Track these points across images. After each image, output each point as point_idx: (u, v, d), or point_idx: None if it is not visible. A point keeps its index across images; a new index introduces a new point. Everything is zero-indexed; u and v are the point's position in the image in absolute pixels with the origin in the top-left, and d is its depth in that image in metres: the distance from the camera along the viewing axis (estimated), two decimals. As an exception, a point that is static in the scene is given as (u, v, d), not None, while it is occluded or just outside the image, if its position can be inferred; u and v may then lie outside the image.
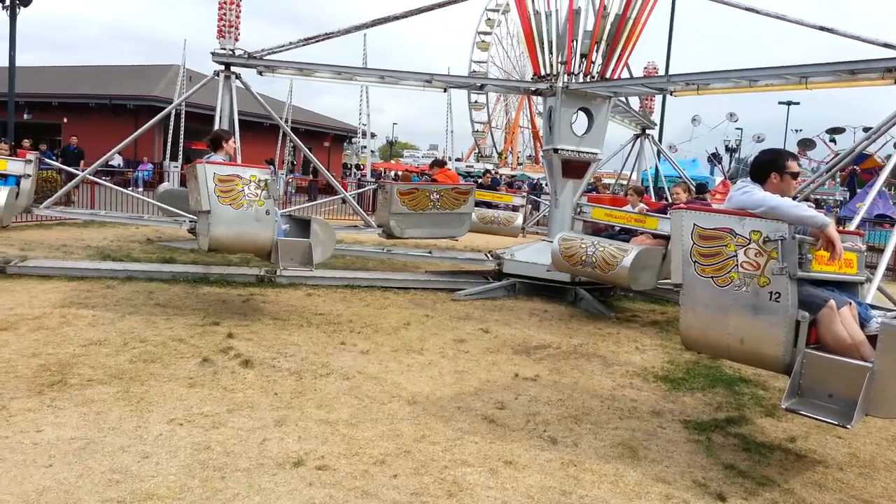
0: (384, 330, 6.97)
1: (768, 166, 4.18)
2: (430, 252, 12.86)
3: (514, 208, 13.08)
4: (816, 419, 3.84)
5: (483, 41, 62.78)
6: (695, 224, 4.15)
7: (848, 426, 3.54)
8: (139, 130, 11.12)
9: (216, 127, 9.66)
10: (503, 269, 9.79)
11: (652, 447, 4.43)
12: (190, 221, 9.55)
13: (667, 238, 7.64)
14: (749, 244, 3.91)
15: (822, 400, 3.74)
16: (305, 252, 6.94)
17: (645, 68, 14.58)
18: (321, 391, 5.00)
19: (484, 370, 5.88)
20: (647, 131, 13.11)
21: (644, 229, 7.97)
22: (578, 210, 8.69)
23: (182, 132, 24.19)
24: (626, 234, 8.24)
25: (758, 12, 8.37)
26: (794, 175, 4.20)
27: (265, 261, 7.30)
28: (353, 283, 9.19)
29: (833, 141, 36.84)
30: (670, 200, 10.12)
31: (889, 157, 7.30)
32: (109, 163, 24.11)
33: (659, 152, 13.98)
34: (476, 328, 7.38)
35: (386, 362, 5.86)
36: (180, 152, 24.33)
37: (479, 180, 18.13)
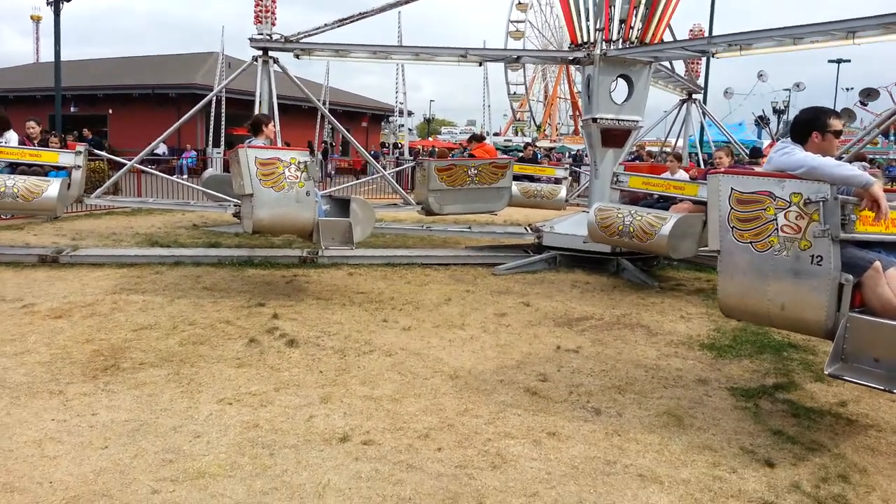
0: (425, 306, 7.02)
1: (809, 125, 4.05)
2: (469, 227, 12.84)
3: (557, 181, 12.92)
4: (861, 384, 3.74)
5: (517, 30, 61.79)
6: (732, 188, 4.05)
7: (895, 391, 3.47)
8: (182, 119, 11.33)
9: (256, 112, 9.79)
10: (543, 241, 9.73)
11: (698, 415, 4.38)
12: (234, 206, 9.75)
13: (707, 204, 7.54)
14: (789, 207, 3.81)
15: (867, 364, 3.63)
16: (346, 231, 7.06)
17: (691, 31, 14.17)
18: (364, 368, 5.07)
19: (525, 343, 5.88)
20: (694, 96, 12.78)
21: (683, 196, 7.79)
22: (615, 179, 8.50)
23: (223, 118, 24.52)
24: (665, 202, 8.07)
25: None
26: (837, 133, 4.05)
27: (307, 241, 7.42)
28: (393, 260, 9.26)
29: (864, 104, 35.32)
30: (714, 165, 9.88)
31: None
32: (154, 151, 24.73)
33: (707, 116, 13.58)
34: (517, 302, 7.36)
35: (427, 338, 5.91)
36: (222, 138, 24.70)
37: (521, 154, 17.92)
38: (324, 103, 23.66)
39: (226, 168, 19.94)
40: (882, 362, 3.59)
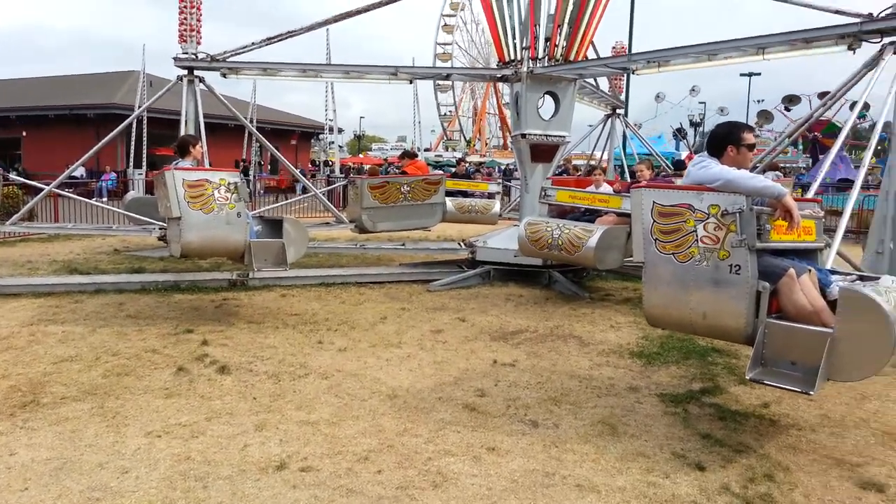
0: (361, 326, 6.96)
1: (724, 139, 4.19)
2: (403, 244, 12.85)
3: (491, 195, 13.08)
4: (780, 388, 3.88)
5: (447, 25, 62.48)
6: (654, 201, 4.15)
7: (811, 393, 3.59)
8: (102, 141, 10.91)
9: (181, 132, 9.54)
10: (476, 256, 9.82)
11: (631, 423, 4.49)
12: (160, 229, 9.43)
13: (631, 217, 7.79)
14: (708, 218, 3.93)
15: (785, 368, 3.80)
16: (279, 252, 6.95)
17: (613, 48, 14.65)
18: (300, 392, 4.98)
19: (462, 359, 5.90)
20: (618, 111, 13.20)
21: (608, 209, 8.02)
22: (543, 194, 8.65)
23: (145, 139, 23.80)
24: (591, 215, 8.29)
25: None
26: (751, 147, 4.20)
27: (238, 263, 7.26)
28: (327, 280, 9.16)
29: (788, 110, 37.28)
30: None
31: (847, 121, 7.44)
32: (72, 174, 23.77)
33: (630, 131, 14.05)
34: (453, 317, 7.40)
35: (364, 358, 5.86)
36: (144, 159, 23.95)
37: (454, 169, 18.08)
38: (251, 121, 23.33)
39: (149, 190, 19.35)
40: (798, 365, 3.75)
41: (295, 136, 40.98)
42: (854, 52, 6.79)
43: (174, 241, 6.74)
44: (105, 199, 21.72)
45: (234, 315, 7.34)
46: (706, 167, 4.08)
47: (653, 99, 46.12)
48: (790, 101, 35.25)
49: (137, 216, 10.36)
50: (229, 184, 6.59)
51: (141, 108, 10.92)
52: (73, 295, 8.05)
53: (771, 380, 3.79)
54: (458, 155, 55.51)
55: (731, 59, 8.34)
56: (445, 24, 62.74)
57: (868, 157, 6.55)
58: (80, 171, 24.46)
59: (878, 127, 6.36)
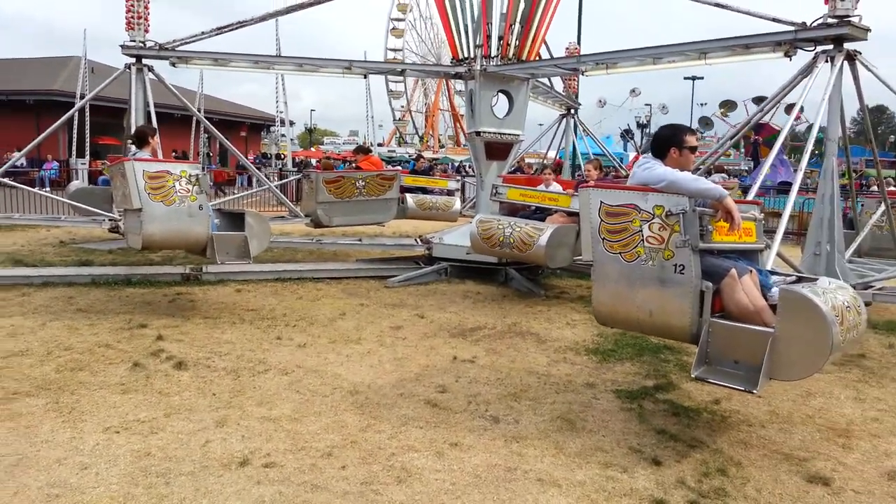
0: (320, 322, 6.94)
1: (667, 141, 4.27)
2: (360, 240, 12.82)
3: (450, 192, 13.13)
4: (724, 386, 4.00)
5: (396, 28, 62.28)
6: (601, 201, 4.21)
7: (754, 391, 3.71)
8: (48, 130, 10.58)
9: (131, 122, 9.33)
10: (433, 253, 9.88)
11: (588, 418, 4.61)
12: (110, 220, 9.22)
13: (579, 216, 7.95)
14: (653, 219, 4.00)
15: (728, 367, 3.90)
16: (242, 245, 6.96)
17: (567, 49, 14.84)
18: (261, 388, 4.95)
19: (423, 355, 5.95)
20: (572, 111, 13.43)
21: (557, 208, 8.14)
22: (495, 191, 8.73)
23: (88, 127, 23.07)
24: (541, 213, 8.39)
25: None
26: (693, 149, 4.30)
27: (200, 256, 7.19)
28: (283, 275, 9.08)
29: (726, 115, 38.53)
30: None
31: (784, 125, 7.80)
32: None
33: (584, 131, 14.30)
34: (411, 314, 7.43)
35: (324, 354, 5.85)
36: (87, 149, 23.21)
37: (414, 165, 18.04)
38: (199, 111, 22.86)
39: (92, 180, 18.77)
40: (741, 364, 3.86)
41: (244, 127, 40.31)
42: (790, 59, 7.09)
43: (133, 233, 6.65)
44: (48, 189, 20.95)
45: (189, 310, 7.22)
46: (650, 168, 4.17)
47: (595, 103, 46.97)
48: (727, 106, 36.38)
49: (87, 207, 10.08)
50: (190, 176, 6.55)
51: (89, 96, 10.59)
52: (20, 288, 7.79)
53: (715, 378, 3.90)
54: (411, 151, 55.48)
55: (675, 63, 8.62)
56: (394, 28, 62.57)
57: (805, 160, 6.85)
58: (20, 160, 23.59)
59: (814, 130, 6.69)
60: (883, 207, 8.51)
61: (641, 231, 4.04)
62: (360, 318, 7.19)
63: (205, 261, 9.23)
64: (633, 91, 47.13)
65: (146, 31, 9.64)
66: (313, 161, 37.45)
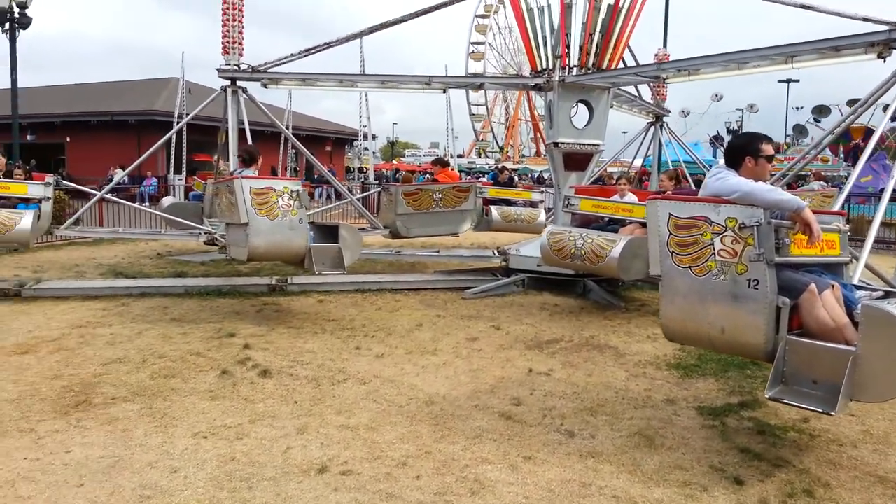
0: (397, 332, 7.06)
1: (742, 150, 4.12)
2: (437, 251, 12.95)
3: (534, 204, 13.08)
4: (800, 408, 3.81)
5: (476, 52, 62.72)
6: (670, 214, 4.08)
7: (832, 413, 3.50)
8: (152, 148, 11.34)
9: (230, 140, 9.97)
10: (510, 264, 9.87)
11: (668, 435, 4.50)
12: (206, 233, 9.78)
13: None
14: (725, 231, 3.84)
15: (806, 387, 3.70)
16: (336, 256, 7.45)
17: (656, 55, 14.55)
18: (340, 397, 5.09)
19: (498, 367, 5.96)
20: (662, 119, 13.17)
21: (632, 219, 7.93)
22: (567, 202, 8.61)
23: (185, 145, 24.35)
24: (615, 225, 8.22)
25: None
26: (769, 158, 4.13)
27: (298, 267, 7.75)
28: (363, 287, 9.29)
29: (818, 121, 36.61)
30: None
31: (878, 127, 7.31)
32: (113, 178, 24.37)
33: (672, 138, 13.99)
34: (488, 326, 7.46)
35: (401, 365, 5.95)
36: (184, 165, 24.49)
37: (498, 177, 18.08)
38: (287, 128, 23.72)
39: (186, 195, 19.70)
40: (820, 384, 3.64)
41: (329, 142, 41.47)
42: (884, 61, 6.68)
43: (239, 246, 7.20)
44: (147, 204, 22.21)
45: (274, 320, 7.50)
46: (723, 178, 4.00)
47: (678, 114, 45.42)
48: (820, 111, 34.64)
49: (183, 220, 10.66)
50: (292, 191, 7.10)
51: (187, 118, 11.20)
52: (120, 298, 8.31)
53: (791, 399, 3.70)
54: (491, 161, 55.59)
55: (760, 68, 8.28)
56: (479, 24, 62.99)
57: None
58: (124, 177, 25.13)
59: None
60: None
61: (713, 244, 3.89)
62: (437, 329, 7.26)
63: (291, 272, 9.72)
64: (715, 95, 45.52)
65: (240, 54, 10.12)
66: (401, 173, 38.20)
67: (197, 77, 27.76)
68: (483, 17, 61.92)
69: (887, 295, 3.99)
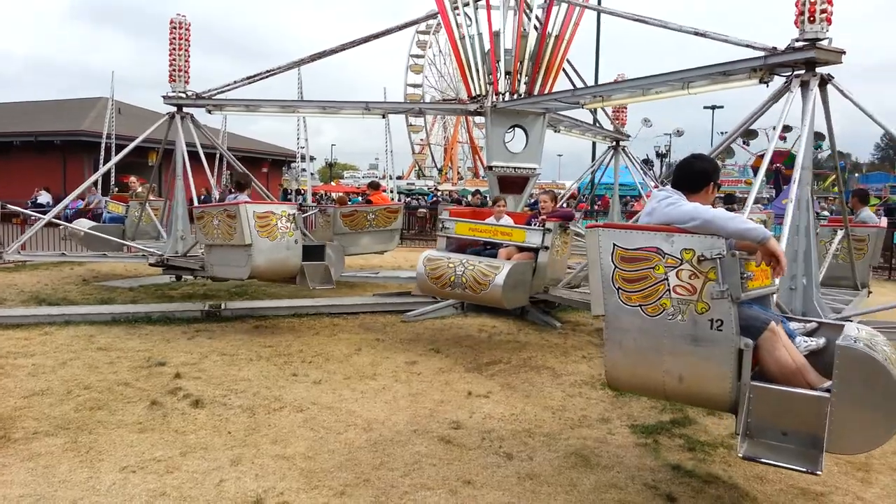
0: (335, 357, 6.98)
1: (707, 176, 3.73)
2: (377, 273, 12.92)
3: None
4: (781, 467, 3.41)
5: (416, 64, 63.24)
6: (615, 244, 3.53)
7: (818, 473, 3.14)
8: (105, 167, 11.54)
9: (177, 163, 10.36)
10: (450, 287, 9.89)
11: (603, 454, 4.58)
12: (151, 255, 10.09)
13: (535, 251, 7.64)
14: (681, 265, 3.34)
15: (774, 439, 3.30)
16: (325, 273, 8.20)
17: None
18: (275, 426, 4.98)
19: (437, 391, 5.95)
20: (621, 143, 13.59)
21: (510, 242, 7.76)
22: (441, 226, 8.22)
23: (113, 167, 23.56)
24: (492, 249, 8.03)
25: (645, 22, 8.57)
26: (719, 185, 3.94)
27: (289, 284, 8.58)
28: (300, 311, 9.16)
29: (747, 144, 38.24)
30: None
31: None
32: (38, 201, 23.39)
33: (631, 163, 14.46)
34: (427, 349, 7.45)
35: (339, 391, 5.88)
36: (112, 187, 23.68)
37: (469, 199, 18.35)
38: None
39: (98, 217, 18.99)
40: (790, 435, 3.27)
41: (266, 164, 40.88)
42: (767, 85, 6.78)
43: (237, 265, 7.84)
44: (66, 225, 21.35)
45: (207, 347, 7.30)
46: (676, 204, 3.52)
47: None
48: (748, 134, 36.15)
49: (139, 244, 10.99)
50: (289, 215, 7.84)
51: (139, 139, 10.86)
52: (42, 327, 7.93)
53: (768, 457, 3.27)
54: (430, 183, 55.86)
55: (662, 94, 8.56)
56: (414, 64, 63.56)
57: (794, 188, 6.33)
58: (45, 199, 24.14)
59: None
60: (840, 235, 8.28)
61: (667, 279, 3.38)
62: (376, 353, 7.21)
63: (225, 297, 9.61)
64: (645, 121, 47.08)
65: (186, 82, 10.38)
66: (333, 195, 37.94)
67: (127, 97, 27.02)
68: (424, 32, 62.44)
69: (821, 326, 3.81)
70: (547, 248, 7.65)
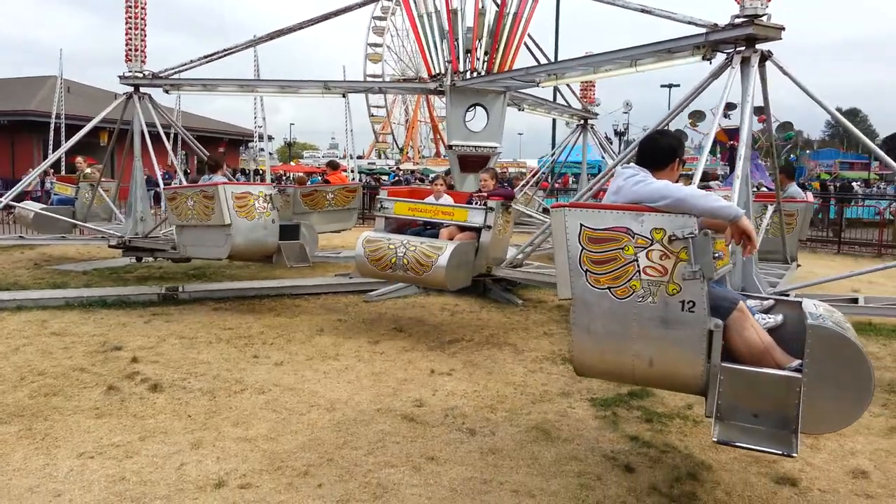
0: (297, 339, 6.94)
1: (673, 152, 3.63)
2: (339, 252, 12.85)
3: None
4: (756, 451, 3.33)
5: (375, 53, 62.45)
6: (582, 225, 3.36)
7: (794, 455, 3.08)
8: (61, 148, 11.27)
9: (135, 143, 10.26)
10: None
11: (564, 427, 4.66)
12: (112, 238, 10.12)
13: (477, 230, 7.36)
14: (652, 245, 3.21)
15: (746, 421, 3.23)
16: (300, 251, 8.48)
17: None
18: (237, 408, 4.95)
19: (400, 369, 5.97)
20: (589, 122, 13.63)
21: (451, 222, 7.50)
22: (380, 206, 7.84)
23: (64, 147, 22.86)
24: (431, 229, 7.70)
25: None
26: (684, 162, 3.79)
27: (267, 263, 8.71)
28: (260, 293, 9.07)
29: (696, 126, 38.83)
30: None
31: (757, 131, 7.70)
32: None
33: (598, 141, 14.51)
34: (390, 328, 7.46)
35: (301, 371, 5.85)
36: (63, 168, 23.01)
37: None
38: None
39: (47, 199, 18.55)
40: (762, 417, 3.20)
41: (223, 143, 40.12)
42: (710, 62, 6.80)
43: (215, 245, 7.96)
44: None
45: (165, 330, 7.19)
46: (644, 182, 3.38)
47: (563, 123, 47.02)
48: (696, 116, 36.66)
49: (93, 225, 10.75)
50: (265, 195, 7.99)
51: (97, 119, 10.47)
52: (-8, 313, 7.72)
53: (742, 440, 3.20)
54: (391, 162, 55.56)
55: (611, 72, 8.59)
56: (376, 26, 62.74)
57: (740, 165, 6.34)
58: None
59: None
60: (771, 210, 8.41)
61: (637, 260, 3.24)
62: (339, 333, 7.19)
63: (182, 279, 9.47)
64: (626, 104, 47.41)
65: (143, 62, 10.21)
66: (293, 176, 37.52)
67: (77, 75, 26.15)
68: (380, 18, 61.65)
69: (778, 303, 3.78)
70: (489, 227, 7.34)
